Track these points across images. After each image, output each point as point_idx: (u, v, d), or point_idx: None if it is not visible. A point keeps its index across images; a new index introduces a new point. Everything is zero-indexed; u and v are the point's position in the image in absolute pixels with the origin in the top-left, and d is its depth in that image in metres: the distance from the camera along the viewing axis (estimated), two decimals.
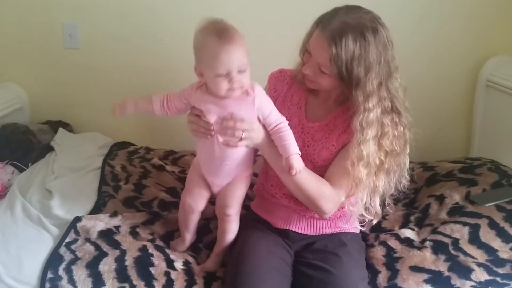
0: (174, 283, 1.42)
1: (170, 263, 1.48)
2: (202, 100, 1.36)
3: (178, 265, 1.48)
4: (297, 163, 1.32)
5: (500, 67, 2.08)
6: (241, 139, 1.34)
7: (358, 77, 1.26)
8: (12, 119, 2.32)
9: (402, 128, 1.37)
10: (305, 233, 1.51)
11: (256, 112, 1.34)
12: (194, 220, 1.56)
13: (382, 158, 1.34)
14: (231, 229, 1.50)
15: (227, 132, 1.33)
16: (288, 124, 1.39)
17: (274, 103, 1.44)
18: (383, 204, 1.43)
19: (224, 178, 1.48)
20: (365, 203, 1.39)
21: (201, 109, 1.36)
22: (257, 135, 1.36)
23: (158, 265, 1.46)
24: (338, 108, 1.44)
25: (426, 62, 2.20)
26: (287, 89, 1.52)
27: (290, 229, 1.51)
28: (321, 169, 1.44)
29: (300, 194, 1.40)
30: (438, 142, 2.28)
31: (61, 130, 2.38)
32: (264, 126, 1.38)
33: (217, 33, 1.25)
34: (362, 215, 1.41)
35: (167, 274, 1.44)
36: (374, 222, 1.43)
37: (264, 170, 1.59)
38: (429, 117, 2.25)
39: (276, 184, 1.51)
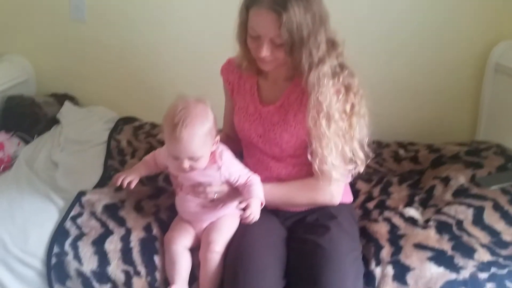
0: None
1: None
2: (173, 167, 1.41)
3: None
4: (254, 207, 1.30)
5: (510, 52, 2.06)
6: (213, 200, 1.41)
7: (308, 32, 1.27)
8: (17, 91, 2.32)
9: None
10: (294, 210, 1.52)
11: (221, 178, 1.39)
12: (182, 256, 1.42)
13: (353, 101, 1.35)
14: (215, 270, 1.37)
15: (200, 196, 1.41)
16: (247, 112, 1.51)
17: (232, 95, 1.57)
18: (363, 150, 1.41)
19: (204, 223, 1.46)
20: (346, 155, 1.38)
21: (175, 175, 1.44)
22: (229, 194, 1.42)
23: (162, 253, 1.46)
24: (289, 85, 1.45)
25: (435, 46, 2.18)
26: (238, 78, 1.55)
27: (279, 209, 1.52)
28: (288, 150, 1.47)
29: (298, 205, 1.49)
30: (445, 125, 2.28)
31: (67, 103, 2.38)
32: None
33: (173, 124, 1.27)
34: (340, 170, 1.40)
35: None
36: (361, 169, 1.41)
37: (244, 158, 1.61)
38: (436, 100, 2.25)
39: (254, 171, 1.48)
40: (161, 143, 2.05)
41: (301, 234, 1.44)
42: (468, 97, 2.27)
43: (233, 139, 1.62)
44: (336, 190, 1.46)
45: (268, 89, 1.50)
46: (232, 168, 1.40)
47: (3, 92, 2.26)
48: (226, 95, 1.62)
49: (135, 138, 2.12)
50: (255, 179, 1.41)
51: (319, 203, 1.47)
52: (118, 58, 2.42)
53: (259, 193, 1.36)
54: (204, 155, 1.33)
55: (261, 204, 1.34)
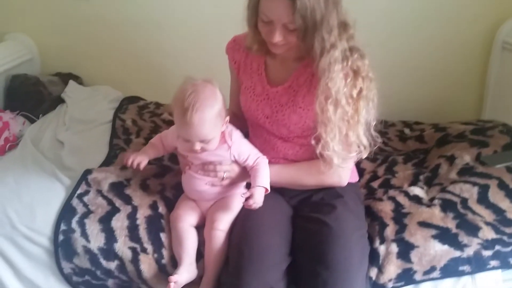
0: None
1: None
2: (183, 149, 1.42)
3: None
4: (258, 196, 1.32)
5: None
6: (223, 178, 1.42)
7: (321, 16, 1.24)
8: (22, 70, 2.32)
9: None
10: (300, 189, 1.52)
11: (231, 158, 1.41)
12: (189, 234, 1.43)
13: (361, 85, 1.32)
14: (220, 248, 1.38)
15: (209, 174, 1.42)
16: (254, 92, 1.48)
17: (238, 74, 1.54)
18: (370, 136, 1.39)
19: (210, 201, 1.48)
20: (350, 140, 1.36)
21: (185, 155, 1.44)
22: (237, 174, 1.44)
23: (168, 231, 1.47)
24: (299, 66, 1.43)
25: (441, 24, 2.16)
26: (244, 57, 1.52)
27: (284, 188, 1.51)
28: (295, 131, 1.45)
29: (306, 187, 1.48)
30: (451, 104, 2.27)
31: (71, 82, 2.37)
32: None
33: (183, 109, 1.27)
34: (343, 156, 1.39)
35: None
36: (364, 155, 1.40)
37: (250, 138, 1.59)
38: (442, 79, 2.23)
39: (261, 150, 1.49)
40: (166, 123, 2.06)
41: (307, 213, 1.44)
42: (474, 76, 2.26)
43: (240, 117, 1.61)
44: (343, 172, 1.45)
45: (276, 69, 1.48)
46: (241, 148, 1.42)
47: (7, 71, 2.26)
48: (232, 74, 1.60)
49: (140, 117, 2.12)
50: (263, 162, 1.41)
51: (327, 184, 1.47)
52: (122, 37, 2.41)
53: (264, 180, 1.37)
54: (215, 136, 1.35)
55: (266, 190, 1.36)
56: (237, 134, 1.44)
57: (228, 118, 1.39)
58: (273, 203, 1.45)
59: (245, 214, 1.41)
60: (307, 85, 1.41)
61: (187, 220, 1.44)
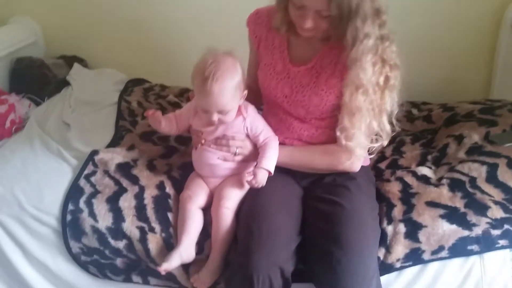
0: None
1: None
2: (199, 125, 1.45)
3: None
4: (260, 177, 1.35)
5: None
6: (235, 153, 1.43)
7: (356, 4, 1.20)
8: (26, 53, 2.31)
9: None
10: (310, 172, 1.51)
11: (244, 132, 1.43)
12: (194, 216, 1.42)
13: (389, 74, 1.30)
14: (227, 227, 1.38)
15: (222, 149, 1.43)
16: (274, 70, 1.45)
17: (257, 49, 1.50)
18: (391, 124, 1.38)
19: (219, 178, 1.48)
20: (373, 129, 1.35)
21: (199, 130, 1.46)
22: (250, 151, 1.45)
23: (176, 211, 1.47)
24: (324, 47, 1.39)
25: (449, 2, 2.13)
26: (266, 32, 1.48)
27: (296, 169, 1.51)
28: (314, 113, 1.43)
29: (317, 170, 1.47)
30: (458, 83, 2.24)
31: (76, 65, 2.37)
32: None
33: (203, 78, 1.29)
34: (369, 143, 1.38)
35: None
36: (385, 143, 1.39)
37: (263, 117, 1.56)
38: (450, 58, 2.21)
39: (275, 129, 1.49)
40: (171, 105, 2.05)
41: (319, 193, 1.43)
42: (482, 55, 2.23)
43: (255, 92, 1.57)
44: (357, 159, 1.43)
45: (300, 48, 1.43)
46: (255, 122, 1.43)
47: (12, 54, 2.25)
48: (251, 47, 1.55)
49: (145, 99, 2.11)
50: (273, 143, 1.42)
51: (339, 170, 1.45)
52: (127, 20, 2.40)
53: (270, 163, 1.38)
54: (233, 108, 1.36)
55: (269, 173, 1.37)
56: (252, 108, 1.45)
57: (246, 92, 1.39)
58: (283, 183, 1.45)
59: (254, 193, 1.40)
60: (331, 68, 1.38)
61: (196, 202, 1.44)
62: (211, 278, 1.38)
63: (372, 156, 1.44)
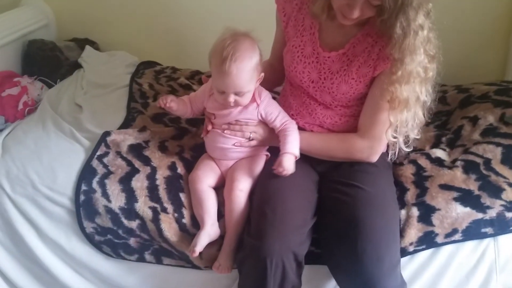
0: None
1: None
2: (212, 107, 1.43)
3: None
4: (287, 163, 1.32)
5: None
6: (249, 139, 1.42)
7: None
8: (38, 36, 2.31)
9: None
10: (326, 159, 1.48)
11: (258, 118, 1.41)
12: (208, 194, 1.42)
13: (428, 65, 1.26)
14: (241, 208, 1.37)
15: (236, 134, 1.41)
16: (302, 53, 1.40)
17: (285, 28, 1.44)
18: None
19: (232, 160, 1.47)
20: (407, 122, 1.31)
21: (213, 113, 1.44)
22: (264, 136, 1.43)
23: (187, 191, 1.48)
24: (358, 33, 1.33)
25: None
26: (296, 11, 1.41)
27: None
28: (341, 100, 1.40)
29: (333, 158, 1.44)
30: (474, 65, 2.20)
31: (88, 47, 2.36)
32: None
33: (221, 58, 1.27)
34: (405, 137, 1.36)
35: None
36: (415, 136, 1.36)
37: (284, 98, 1.55)
38: (465, 39, 2.17)
39: (296, 113, 1.47)
40: (183, 87, 2.05)
41: (337, 177, 1.41)
42: (498, 36, 2.18)
43: (277, 71, 1.54)
44: (376, 149, 1.40)
45: (332, 32, 1.36)
46: (269, 108, 1.41)
47: (24, 37, 2.25)
48: (278, 25, 1.49)
49: (157, 82, 2.11)
50: (292, 126, 1.40)
51: (355, 159, 1.42)
52: (138, 2, 2.39)
53: (294, 146, 1.35)
54: (250, 90, 1.34)
55: (295, 157, 1.34)
56: (266, 94, 1.42)
57: (262, 74, 1.37)
58: (297, 167, 1.40)
59: (268, 175, 1.39)
60: (364, 56, 1.33)
61: (205, 181, 1.44)
62: (231, 260, 1.38)
63: (408, 150, 1.40)
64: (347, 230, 1.26)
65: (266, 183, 1.38)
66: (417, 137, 1.37)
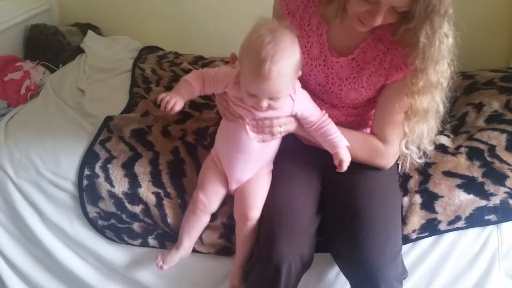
0: None
1: None
2: (237, 99, 1.22)
3: None
4: (347, 157, 1.22)
5: None
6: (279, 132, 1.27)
7: None
8: (40, 21, 2.30)
9: None
10: None
11: (292, 113, 1.24)
12: (202, 222, 1.36)
13: (448, 74, 1.21)
14: (254, 234, 1.29)
15: (264, 130, 1.24)
16: (309, 54, 1.29)
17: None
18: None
19: (247, 172, 1.31)
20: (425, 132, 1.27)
21: (244, 107, 1.23)
22: (292, 126, 1.26)
23: (190, 175, 1.46)
24: (368, 37, 1.23)
25: None
26: (302, 9, 1.28)
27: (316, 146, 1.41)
28: (349, 103, 1.34)
29: (353, 158, 1.28)
30: (479, 51, 2.18)
31: (90, 32, 2.35)
32: None
33: (259, 59, 1.07)
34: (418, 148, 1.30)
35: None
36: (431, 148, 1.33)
37: None
38: (470, 26, 2.13)
39: None
40: (186, 72, 2.02)
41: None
42: (503, 23, 2.17)
43: None
44: (393, 157, 1.34)
45: (341, 35, 1.26)
46: (304, 104, 1.24)
47: (26, 21, 2.24)
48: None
49: (159, 67, 2.10)
50: (326, 116, 1.25)
51: (373, 165, 1.33)
52: None
53: (340, 140, 1.22)
54: (288, 93, 1.18)
55: (347, 147, 1.23)
56: (299, 86, 1.25)
57: (300, 72, 1.18)
58: (300, 162, 1.38)
59: (274, 178, 1.35)
60: (375, 65, 1.24)
61: (209, 210, 1.35)
62: (244, 278, 1.33)
63: (421, 161, 1.34)
64: (347, 219, 1.26)
65: (273, 186, 1.33)
66: (430, 148, 1.32)
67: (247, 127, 1.24)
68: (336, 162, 1.22)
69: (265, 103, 1.14)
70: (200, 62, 2.18)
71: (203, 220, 1.36)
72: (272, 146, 1.32)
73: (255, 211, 1.29)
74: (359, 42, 1.25)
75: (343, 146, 1.22)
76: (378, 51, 1.24)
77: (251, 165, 1.31)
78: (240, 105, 1.22)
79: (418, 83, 1.17)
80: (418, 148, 1.29)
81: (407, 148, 1.28)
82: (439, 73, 1.17)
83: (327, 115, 1.26)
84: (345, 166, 1.21)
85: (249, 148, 1.27)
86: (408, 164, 1.36)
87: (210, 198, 1.34)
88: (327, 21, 1.25)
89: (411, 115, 1.23)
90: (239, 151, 1.28)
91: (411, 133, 1.25)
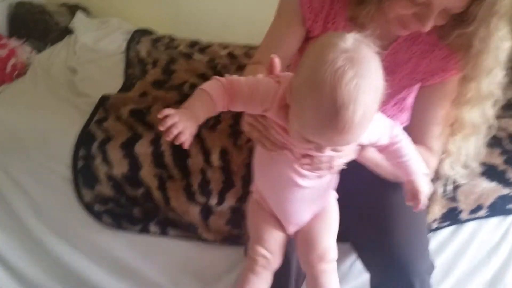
0: (210, 185, 1.33)
1: (206, 156, 1.36)
2: (281, 128, 0.89)
3: (215, 157, 1.37)
4: (425, 187, 0.94)
5: None
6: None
7: None
8: None
9: None
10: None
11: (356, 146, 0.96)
12: (266, 281, 1.02)
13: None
14: (332, 283, 0.99)
15: (320, 167, 0.92)
16: None
17: (310, 26, 1.12)
18: None
19: (304, 213, 1.02)
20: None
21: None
22: (355, 154, 0.99)
23: (195, 156, 1.36)
24: (399, 38, 1.09)
25: None
26: (328, 7, 1.10)
27: None
28: None
29: (380, 173, 1.11)
30: None
31: (79, 13, 2.23)
32: None
33: (335, 106, 0.73)
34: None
35: (202, 172, 1.34)
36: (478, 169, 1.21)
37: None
38: None
39: None
40: (183, 55, 1.93)
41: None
42: None
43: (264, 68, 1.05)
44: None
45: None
46: (373, 132, 0.91)
47: None
48: (292, 17, 1.13)
49: (155, 49, 2.00)
50: (399, 137, 0.95)
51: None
52: None
53: (416, 165, 0.95)
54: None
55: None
56: None
57: None
58: None
59: None
60: (407, 68, 1.12)
61: (273, 266, 1.02)
62: None
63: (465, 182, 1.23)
64: (374, 211, 1.17)
65: None
66: (477, 170, 1.19)
67: (296, 164, 0.93)
68: (407, 193, 0.95)
69: (328, 152, 0.86)
70: (197, 46, 2.08)
71: (267, 278, 1.03)
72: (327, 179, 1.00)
73: (332, 251, 1.00)
74: (390, 42, 1.10)
75: (419, 173, 0.95)
76: (410, 54, 1.11)
77: (306, 204, 1.01)
78: (285, 136, 0.90)
79: (466, 93, 1.05)
80: (465, 167, 1.15)
81: (452, 168, 1.14)
82: (493, 82, 1.03)
83: (399, 128, 0.96)
84: (422, 198, 0.93)
85: (301, 186, 0.96)
86: (452, 187, 1.23)
87: (272, 250, 1.01)
88: (355, 24, 1.06)
89: (456, 129, 1.10)
90: (287, 189, 0.97)
91: (457, 151, 1.11)
